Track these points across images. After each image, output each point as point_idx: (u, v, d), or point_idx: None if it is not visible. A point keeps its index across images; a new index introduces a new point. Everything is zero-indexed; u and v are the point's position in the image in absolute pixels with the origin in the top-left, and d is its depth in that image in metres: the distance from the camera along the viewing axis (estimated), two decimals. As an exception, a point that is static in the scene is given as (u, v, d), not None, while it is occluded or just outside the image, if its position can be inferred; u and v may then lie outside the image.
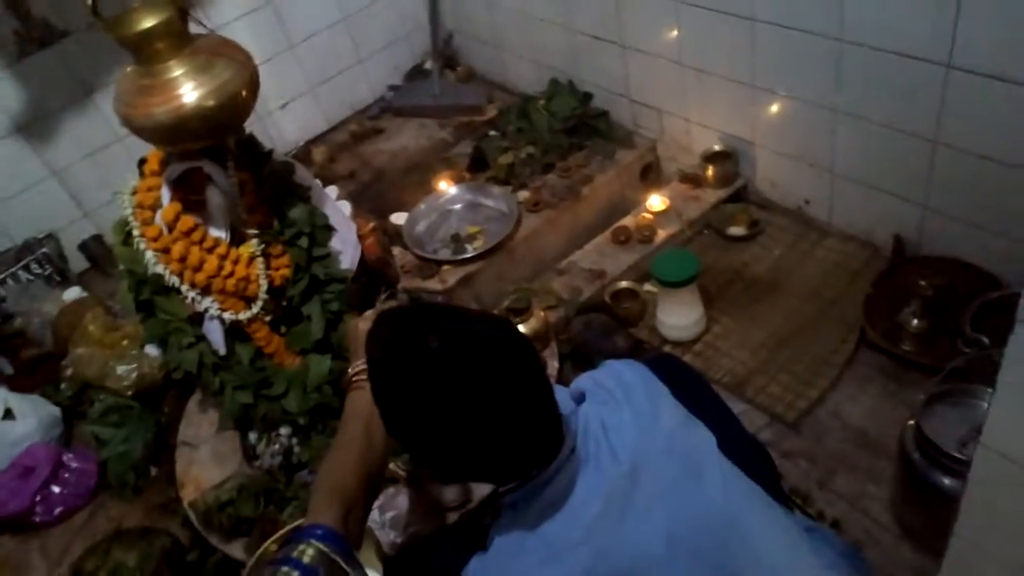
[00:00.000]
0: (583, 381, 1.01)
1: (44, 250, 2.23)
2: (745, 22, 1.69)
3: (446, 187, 2.17)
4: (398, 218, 2.14)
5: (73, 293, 2.14)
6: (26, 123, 2.13)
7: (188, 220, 1.43)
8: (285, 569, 0.85)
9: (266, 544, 1.32)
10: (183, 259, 1.43)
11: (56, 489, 1.67)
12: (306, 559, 0.86)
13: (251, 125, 1.58)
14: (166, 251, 1.43)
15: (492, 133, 2.41)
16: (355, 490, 0.94)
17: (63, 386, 1.90)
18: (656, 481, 0.88)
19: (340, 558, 0.89)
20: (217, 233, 1.48)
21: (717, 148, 1.98)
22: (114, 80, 1.36)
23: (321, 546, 0.88)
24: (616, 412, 0.93)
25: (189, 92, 1.20)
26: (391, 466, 1.53)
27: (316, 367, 1.63)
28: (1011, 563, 0.77)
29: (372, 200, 2.35)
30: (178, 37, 1.22)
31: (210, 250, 1.46)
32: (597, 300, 1.80)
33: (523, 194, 2.11)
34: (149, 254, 1.44)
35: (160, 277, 1.45)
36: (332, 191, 2.04)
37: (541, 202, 2.07)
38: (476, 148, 2.35)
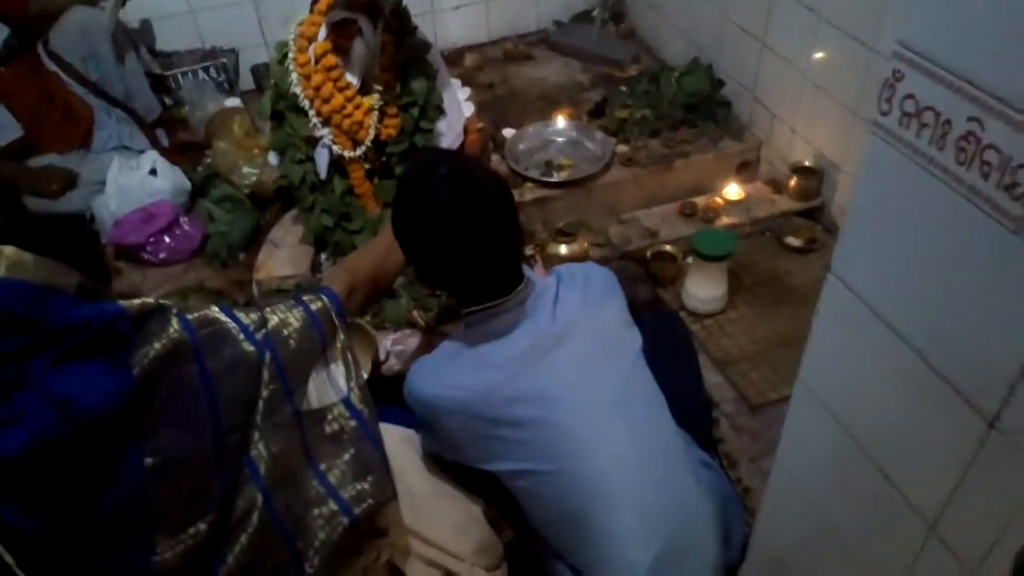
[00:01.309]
0: (562, 268, 1.24)
1: (223, 60, 2.62)
2: (864, 50, 1.79)
3: (559, 120, 2.39)
4: (508, 132, 2.38)
5: (233, 101, 2.53)
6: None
7: (331, 59, 1.73)
8: (297, 307, 1.13)
9: (280, 281, 1.62)
10: (318, 88, 1.74)
11: (167, 239, 2.06)
12: (314, 307, 1.14)
13: (420, 18, 1.85)
14: (308, 77, 1.74)
15: (623, 89, 2.60)
16: (364, 278, 1.22)
17: (199, 169, 2.29)
18: (576, 349, 1.11)
19: (339, 321, 1.16)
20: (351, 78, 1.77)
21: (807, 163, 2.10)
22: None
23: (328, 304, 1.15)
24: (571, 291, 1.16)
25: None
26: (415, 313, 1.82)
27: (388, 218, 1.92)
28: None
29: (496, 111, 2.59)
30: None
31: (340, 89, 1.76)
32: (639, 253, 1.99)
33: (622, 148, 2.30)
34: (294, 75, 1.75)
35: (296, 96, 1.77)
36: (461, 88, 2.31)
37: (634, 160, 2.25)
38: (603, 97, 2.55)
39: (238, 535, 1.00)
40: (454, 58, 2.91)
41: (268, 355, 1.03)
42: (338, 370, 1.12)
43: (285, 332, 1.07)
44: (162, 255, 2.06)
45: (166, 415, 0.94)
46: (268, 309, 1.08)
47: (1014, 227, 0.59)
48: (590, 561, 1.18)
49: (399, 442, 1.32)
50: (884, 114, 0.70)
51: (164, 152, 2.34)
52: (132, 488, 0.91)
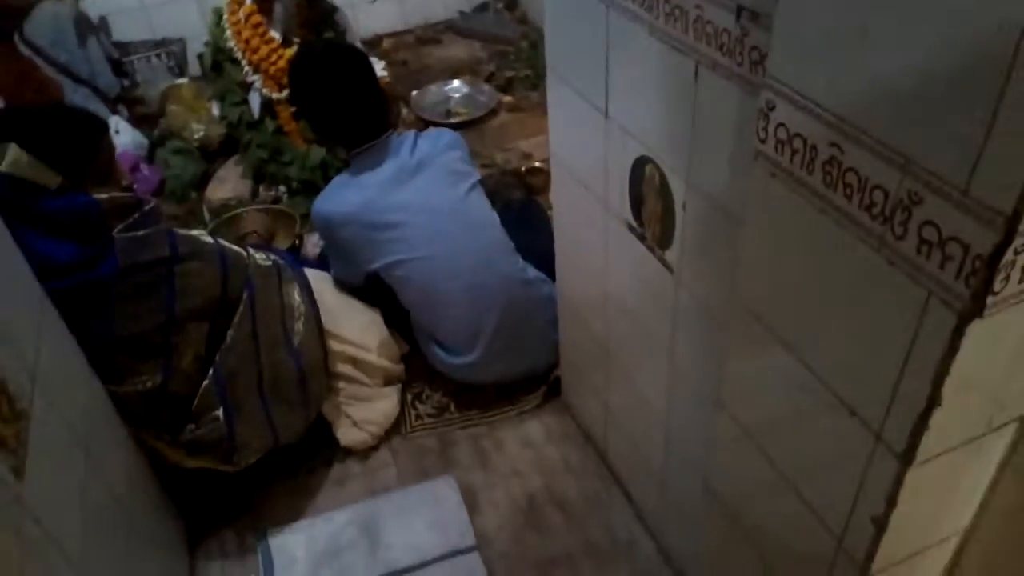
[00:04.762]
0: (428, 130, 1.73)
1: (173, 48, 3.09)
2: None
3: (455, 81, 2.91)
4: (417, 93, 2.89)
5: (182, 82, 2.99)
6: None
7: (257, 17, 2.21)
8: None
9: (224, 202, 2.08)
10: (248, 41, 2.22)
11: (132, 184, 2.50)
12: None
13: (344, 5, 2.35)
14: (239, 33, 2.23)
15: (511, 57, 3.13)
16: None
17: (155, 132, 2.74)
18: (428, 176, 1.60)
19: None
20: (274, 34, 2.25)
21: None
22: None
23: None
24: (425, 140, 1.65)
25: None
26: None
27: (315, 153, 2.39)
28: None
29: (409, 81, 3.09)
30: None
31: (267, 42, 2.24)
32: (517, 169, 2.49)
33: (508, 98, 2.82)
34: (228, 31, 2.23)
35: (231, 50, 2.25)
36: (377, 63, 2.81)
37: (517, 107, 2.77)
38: (496, 66, 3.08)
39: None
40: (374, 43, 3.41)
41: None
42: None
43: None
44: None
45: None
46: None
47: (876, 245, 0.61)
48: (449, 332, 1.66)
49: (317, 279, 1.78)
50: (762, 141, 0.73)
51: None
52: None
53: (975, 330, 0.55)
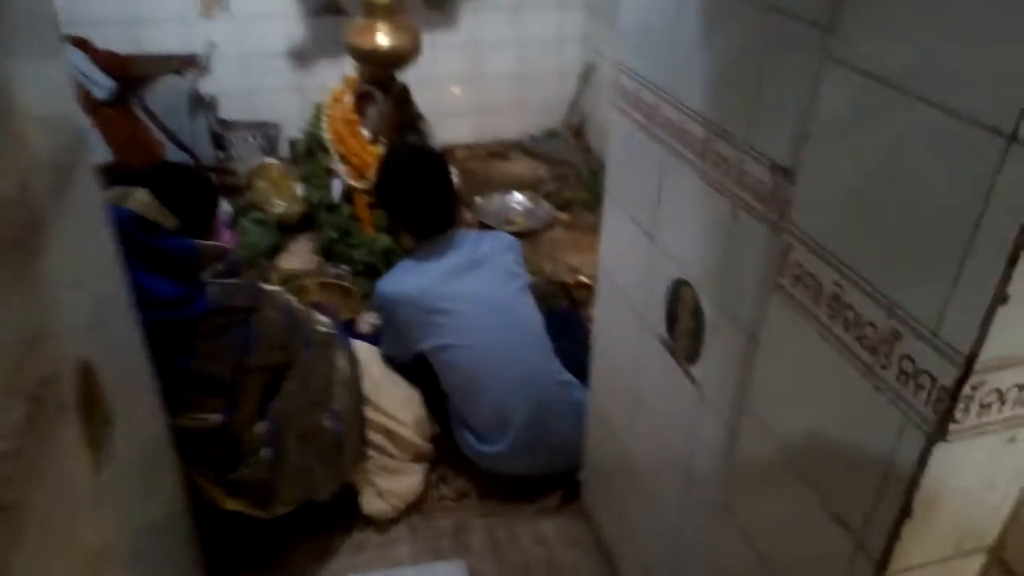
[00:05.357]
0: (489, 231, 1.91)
1: (268, 131, 3.40)
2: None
3: (515, 193, 3.14)
4: (481, 200, 3.12)
5: (271, 161, 3.27)
6: (296, 54, 3.35)
7: (352, 116, 2.48)
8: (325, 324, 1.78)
9: (292, 272, 2.26)
10: (340, 135, 2.48)
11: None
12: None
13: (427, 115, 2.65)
14: (334, 127, 2.49)
15: (573, 181, 3.36)
16: None
17: (240, 201, 3.00)
18: (483, 272, 1.76)
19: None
20: (365, 132, 2.51)
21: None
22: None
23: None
24: (485, 239, 1.82)
25: (382, 38, 2.26)
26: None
27: (381, 240, 2.59)
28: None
29: (474, 187, 3.34)
30: (390, 12, 2.30)
31: (355, 137, 2.49)
32: (563, 281, 2.65)
33: (564, 217, 3.02)
34: (325, 124, 2.49)
35: (323, 140, 2.50)
36: (453, 172, 3.06)
37: (571, 226, 2.97)
38: (556, 186, 3.32)
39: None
40: (448, 151, 3.70)
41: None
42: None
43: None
44: (205, 253, 2.71)
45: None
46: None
47: (866, 371, 0.72)
48: (482, 419, 1.76)
49: (367, 351, 1.92)
50: (781, 275, 0.86)
51: (214, 188, 3.05)
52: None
53: (939, 451, 0.66)
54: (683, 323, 1.28)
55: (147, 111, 3.03)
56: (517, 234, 2.84)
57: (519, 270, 1.85)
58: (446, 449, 1.98)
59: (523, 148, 3.81)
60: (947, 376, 0.63)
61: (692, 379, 1.25)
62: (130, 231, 1.42)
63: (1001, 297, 0.58)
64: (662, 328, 1.34)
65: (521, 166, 3.67)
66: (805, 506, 0.85)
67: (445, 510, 1.89)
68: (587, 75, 3.72)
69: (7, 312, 0.62)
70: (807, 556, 0.88)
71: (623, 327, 1.51)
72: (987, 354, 0.60)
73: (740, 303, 1.06)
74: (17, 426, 0.59)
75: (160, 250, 1.45)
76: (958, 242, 0.61)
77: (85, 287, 1.01)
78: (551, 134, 3.91)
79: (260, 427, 1.55)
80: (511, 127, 3.88)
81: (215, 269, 1.53)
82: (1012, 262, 0.56)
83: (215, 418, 1.49)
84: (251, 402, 1.52)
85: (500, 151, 3.78)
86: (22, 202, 0.75)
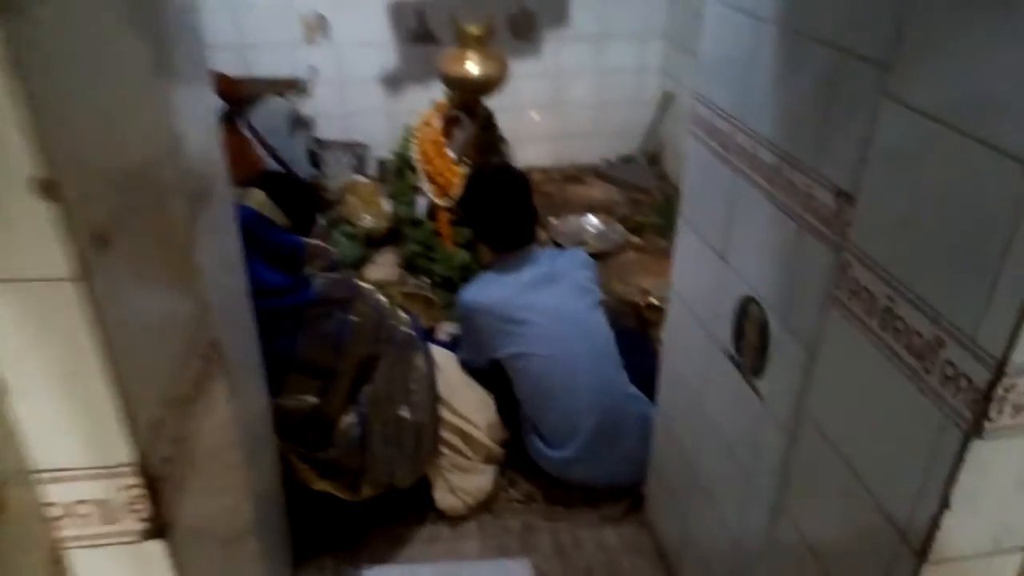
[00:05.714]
0: (566, 248, 2.02)
1: (359, 151, 3.62)
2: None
3: (590, 216, 3.25)
4: (556, 220, 3.24)
5: (361, 179, 3.48)
6: (389, 79, 3.57)
7: (440, 138, 2.64)
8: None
9: (375, 283, 2.42)
10: (427, 155, 2.64)
11: (303, 252, 2.93)
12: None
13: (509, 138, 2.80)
14: (422, 148, 2.66)
15: (646, 206, 3.45)
16: None
17: (331, 215, 3.20)
18: (559, 286, 1.87)
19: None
20: (451, 153, 2.67)
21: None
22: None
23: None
24: (563, 255, 1.93)
25: (473, 67, 2.42)
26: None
27: (460, 256, 2.74)
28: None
29: (551, 209, 3.47)
30: (480, 42, 2.47)
31: (441, 158, 2.65)
32: (634, 302, 2.73)
33: (636, 240, 3.11)
34: (413, 145, 2.66)
35: (411, 159, 2.67)
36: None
37: (643, 249, 3.06)
38: (630, 210, 3.41)
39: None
40: (526, 174, 3.84)
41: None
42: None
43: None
44: (298, 261, 2.91)
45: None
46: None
47: (912, 376, 0.79)
48: (551, 426, 1.86)
49: (446, 357, 2.06)
50: (838, 289, 0.95)
51: (308, 201, 3.27)
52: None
53: (976, 447, 0.73)
54: (750, 338, 1.36)
55: (251, 129, 3.27)
56: (590, 255, 2.95)
57: (593, 287, 1.95)
58: (516, 454, 2.08)
59: (599, 173, 3.92)
60: (982, 378, 0.71)
61: (757, 392, 1.33)
62: (249, 226, 1.60)
63: (1030, 308, 0.66)
64: (730, 344, 1.42)
65: (597, 190, 3.78)
66: (856, 505, 0.92)
67: (513, 511, 2.00)
68: (665, 104, 3.82)
69: (188, 288, 0.77)
70: (856, 551, 0.95)
71: (692, 344, 1.60)
72: (1018, 358, 0.68)
73: (802, 318, 1.13)
74: (195, 376, 0.73)
75: (273, 244, 1.63)
76: (993, 260, 0.69)
77: (219, 275, 1.17)
78: (627, 160, 4.01)
79: (350, 412, 1.69)
80: (588, 152, 4.00)
81: (318, 265, 1.70)
82: (1039, 277, 0.64)
83: (311, 400, 1.64)
84: (343, 388, 1.66)
85: (577, 175, 3.90)
86: (184, 204, 0.91)
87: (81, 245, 0.56)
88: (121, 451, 0.64)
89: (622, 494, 1.99)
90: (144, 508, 0.66)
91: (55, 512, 0.65)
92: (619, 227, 3.16)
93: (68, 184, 0.55)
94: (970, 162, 0.71)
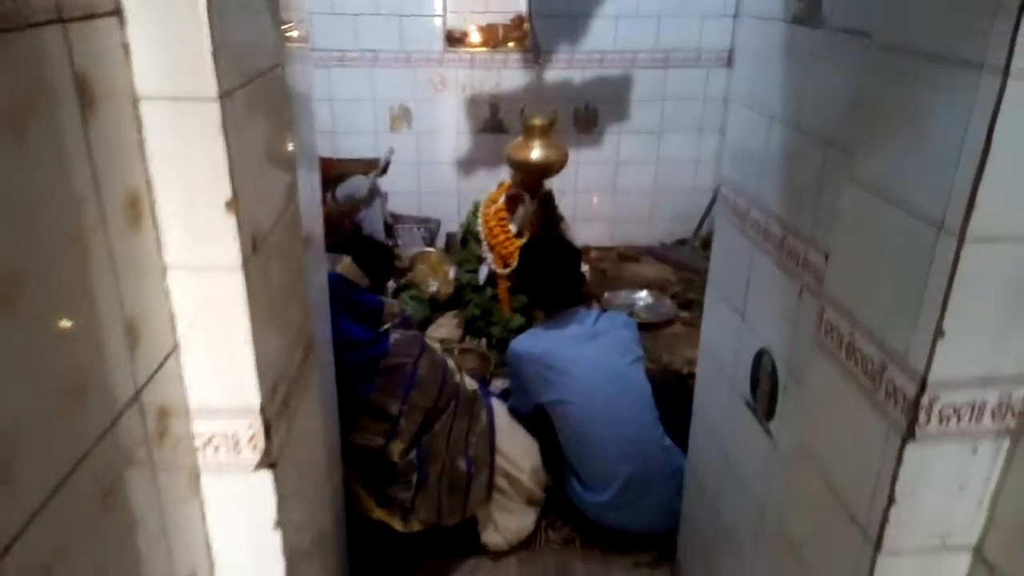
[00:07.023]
0: (610, 311, 2.24)
1: (430, 225, 3.96)
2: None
3: (643, 291, 3.46)
4: (609, 294, 3.47)
5: (430, 250, 3.81)
6: (460, 163, 3.93)
7: (503, 213, 2.93)
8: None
9: (439, 341, 2.67)
10: (491, 228, 2.93)
11: (375, 312, 3.22)
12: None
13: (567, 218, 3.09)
14: (487, 222, 2.95)
15: (697, 285, 3.65)
16: None
17: (402, 280, 3.51)
18: (600, 343, 2.08)
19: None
20: (512, 227, 2.96)
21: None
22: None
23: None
24: (606, 317, 2.15)
25: (536, 153, 2.73)
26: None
27: (516, 320, 2.99)
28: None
29: (605, 285, 3.70)
30: (545, 132, 2.78)
31: (504, 232, 2.94)
32: (678, 370, 2.90)
33: (685, 314, 3.30)
34: (479, 220, 2.96)
35: (477, 232, 2.96)
36: (583, 266, 3.45)
37: (691, 324, 3.24)
38: (682, 288, 3.62)
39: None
40: (583, 251, 4.10)
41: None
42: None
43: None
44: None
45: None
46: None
47: (866, 393, 0.94)
48: (589, 470, 2.03)
49: (496, 405, 2.27)
50: (818, 331, 1.12)
51: (382, 268, 3.60)
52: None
53: (910, 449, 0.90)
54: (763, 385, 1.54)
55: (336, 201, 3.65)
56: (640, 325, 3.15)
57: (634, 346, 2.15)
58: (558, 500, 2.25)
59: (653, 253, 4.15)
60: (912, 392, 0.89)
61: (769, 433, 1.50)
62: (338, 288, 1.89)
63: (939, 332, 0.85)
64: (747, 391, 1.60)
65: (650, 269, 4.01)
66: (835, 516, 1.09)
67: (551, 552, 2.15)
68: (718, 192, 4.07)
69: (298, 294, 1.03)
70: (833, 555, 1.10)
71: (717, 393, 1.78)
72: (934, 376, 0.86)
73: (804, 365, 1.32)
74: (299, 362, 0.98)
75: (358, 302, 1.90)
76: (917, 298, 0.88)
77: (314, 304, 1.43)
78: (680, 243, 4.24)
79: (412, 455, 1.91)
80: (644, 234, 4.26)
81: (393, 322, 1.96)
82: (943, 312, 0.84)
83: (378, 441, 1.87)
84: (407, 434, 1.89)
85: (632, 255, 4.14)
86: (298, 239, 1.18)
87: (245, 245, 0.83)
88: (252, 396, 0.88)
89: (655, 542, 2.12)
90: (260, 444, 0.89)
91: (198, 442, 0.89)
92: (668, 301, 3.37)
93: (243, 205, 0.82)
94: (898, 225, 0.92)
